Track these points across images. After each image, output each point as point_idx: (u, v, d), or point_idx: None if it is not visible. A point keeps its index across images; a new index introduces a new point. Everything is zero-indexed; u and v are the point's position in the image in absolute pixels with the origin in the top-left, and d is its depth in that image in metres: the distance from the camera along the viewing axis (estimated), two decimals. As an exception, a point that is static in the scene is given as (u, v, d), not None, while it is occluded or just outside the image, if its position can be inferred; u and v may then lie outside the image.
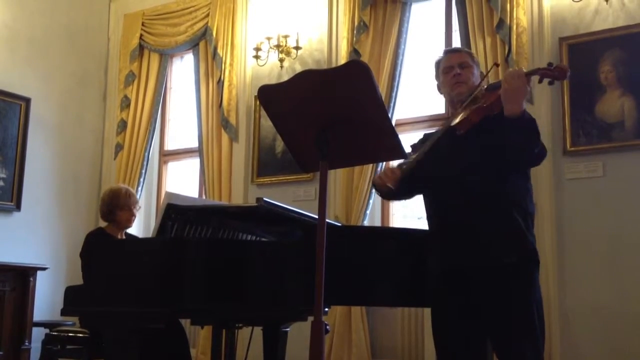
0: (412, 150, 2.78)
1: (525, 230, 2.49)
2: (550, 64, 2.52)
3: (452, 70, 2.70)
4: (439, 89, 2.81)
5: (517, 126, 2.41)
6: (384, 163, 4.83)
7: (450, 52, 2.83)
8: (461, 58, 2.73)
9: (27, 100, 6.15)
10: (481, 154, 2.51)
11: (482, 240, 2.48)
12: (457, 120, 2.58)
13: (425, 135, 2.90)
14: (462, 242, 2.51)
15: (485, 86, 2.65)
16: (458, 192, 2.50)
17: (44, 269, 5.67)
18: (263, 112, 5.46)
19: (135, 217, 4.10)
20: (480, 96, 2.57)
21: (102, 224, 4.16)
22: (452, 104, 2.74)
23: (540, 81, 2.53)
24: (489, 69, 2.72)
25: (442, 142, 2.59)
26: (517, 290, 2.44)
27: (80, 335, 3.96)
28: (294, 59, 5.65)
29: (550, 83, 2.56)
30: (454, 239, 2.54)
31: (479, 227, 2.48)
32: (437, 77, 2.80)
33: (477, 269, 2.46)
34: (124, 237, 4.14)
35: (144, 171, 6.41)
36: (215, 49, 6.05)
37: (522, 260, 2.47)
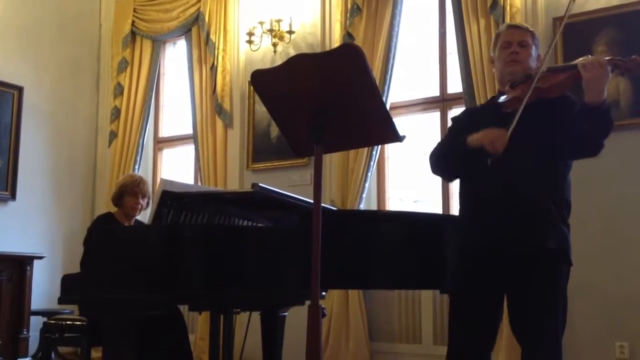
0: (454, 123, 2.73)
1: (560, 222, 2.45)
2: (631, 56, 2.41)
3: (510, 46, 2.59)
4: (492, 62, 2.72)
5: (597, 115, 2.34)
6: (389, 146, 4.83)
7: (512, 27, 2.72)
8: (522, 36, 2.61)
9: (20, 89, 6.12)
10: (530, 138, 2.43)
11: (517, 227, 2.43)
12: (506, 98, 2.50)
13: (466, 109, 2.82)
14: (499, 227, 2.45)
15: (546, 68, 2.52)
16: (499, 175, 2.42)
17: (40, 257, 5.68)
18: (257, 98, 5.44)
19: (140, 205, 4.11)
20: (539, 77, 2.45)
21: (100, 210, 4.17)
22: (502, 82, 2.64)
23: (612, 70, 2.41)
24: (550, 46, 2.59)
25: (488, 119, 2.51)
26: (545, 282, 2.40)
27: (78, 323, 3.97)
28: (288, 43, 5.63)
29: (620, 74, 2.49)
30: (491, 222, 2.48)
31: (518, 214, 2.43)
32: (493, 49, 2.69)
33: (508, 257, 2.42)
34: (132, 224, 4.15)
35: (138, 158, 6.40)
36: (208, 34, 6.02)
37: (555, 251, 2.43)
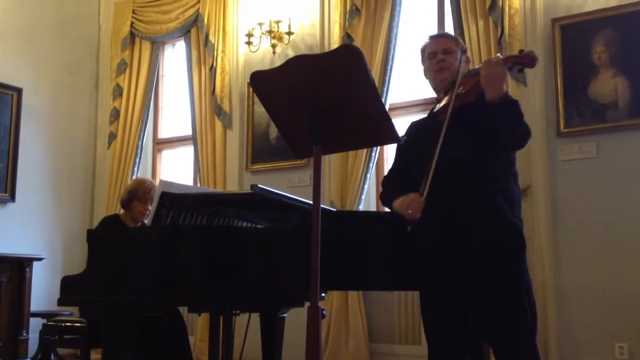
0: (397, 148, 2.86)
1: (510, 215, 2.50)
2: (520, 51, 2.58)
3: (435, 55, 2.71)
4: (425, 74, 2.83)
5: (499, 110, 2.43)
6: (381, 151, 4.83)
7: (434, 37, 2.83)
8: (445, 44, 2.74)
9: (19, 91, 6.12)
10: (463, 140, 2.51)
11: (466, 226, 2.48)
12: (439, 106, 2.61)
13: (411, 123, 2.92)
14: (448, 229, 2.51)
15: (465, 73, 2.65)
16: (441, 178, 2.48)
17: (39, 259, 5.67)
18: (256, 99, 5.45)
19: (148, 211, 4.10)
20: (459, 83, 2.58)
21: (99, 212, 4.18)
22: (437, 90, 2.76)
23: (510, 69, 2.55)
24: (463, 51, 2.76)
25: (427, 128, 2.63)
26: (503, 274, 2.45)
27: (78, 324, 3.97)
28: (287, 44, 5.63)
29: (519, 70, 2.63)
30: (440, 226, 2.53)
31: (463, 214, 2.50)
32: (422, 62, 2.82)
33: (465, 253, 2.47)
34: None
35: (137, 160, 6.40)
36: (207, 35, 6.02)
37: (506, 244, 2.48)
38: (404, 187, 2.64)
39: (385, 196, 2.84)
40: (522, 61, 2.53)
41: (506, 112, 2.45)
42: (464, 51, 2.77)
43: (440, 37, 2.83)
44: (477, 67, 2.67)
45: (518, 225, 2.53)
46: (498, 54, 2.69)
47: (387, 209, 2.86)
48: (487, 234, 2.47)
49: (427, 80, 2.83)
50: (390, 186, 2.82)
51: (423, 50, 2.80)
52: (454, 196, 2.51)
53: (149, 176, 6.61)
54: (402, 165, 2.83)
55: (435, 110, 2.63)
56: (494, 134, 2.48)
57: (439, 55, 2.70)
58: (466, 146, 2.52)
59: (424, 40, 2.84)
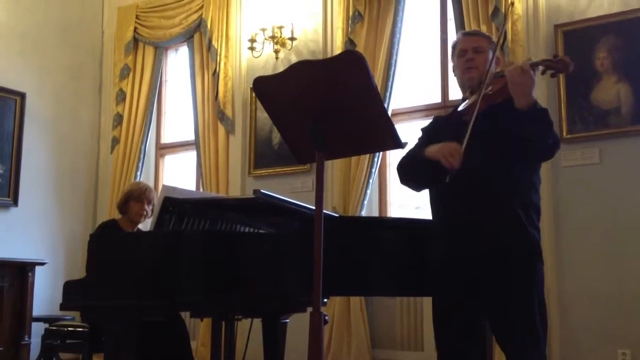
0: (423, 134, 2.74)
1: (527, 224, 2.44)
2: (555, 56, 2.46)
3: (465, 53, 2.63)
4: (454, 70, 2.75)
5: (528, 119, 2.36)
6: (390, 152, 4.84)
7: (466, 34, 2.76)
8: (476, 42, 2.66)
9: (22, 95, 6.13)
10: (486, 144, 2.44)
11: (483, 233, 2.43)
12: (465, 104, 2.54)
13: (435, 117, 2.85)
14: (465, 233, 2.46)
15: (494, 73, 2.56)
16: (462, 181, 2.41)
17: (42, 264, 5.67)
18: (259, 104, 5.43)
19: (145, 212, 4.13)
20: (487, 83, 2.50)
21: (101, 216, 4.19)
22: (463, 89, 2.69)
23: (543, 73, 2.46)
24: (494, 50, 2.65)
25: (452, 125, 2.54)
26: (516, 283, 2.41)
27: (80, 329, 3.98)
28: (289, 50, 5.64)
29: (552, 75, 2.50)
30: (458, 229, 2.49)
31: (481, 220, 2.44)
32: (452, 58, 2.74)
33: (478, 258, 2.42)
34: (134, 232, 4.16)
35: (140, 165, 6.40)
36: (210, 41, 6.04)
37: (521, 254, 2.43)
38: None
39: (405, 169, 2.70)
40: (556, 66, 2.42)
41: (535, 121, 2.37)
42: (494, 47, 2.67)
43: (472, 35, 2.76)
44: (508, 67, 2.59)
45: (534, 235, 2.46)
46: (529, 58, 2.54)
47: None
48: (502, 240, 2.42)
49: (455, 77, 2.75)
50: (411, 156, 2.68)
51: (454, 46, 2.72)
52: (472, 200, 2.45)
53: (151, 181, 6.61)
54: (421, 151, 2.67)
55: (460, 108, 2.56)
56: (520, 142, 2.40)
57: (469, 54, 2.62)
58: (489, 149, 2.44)
59: (457, 36, 2.78)
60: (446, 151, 2.39)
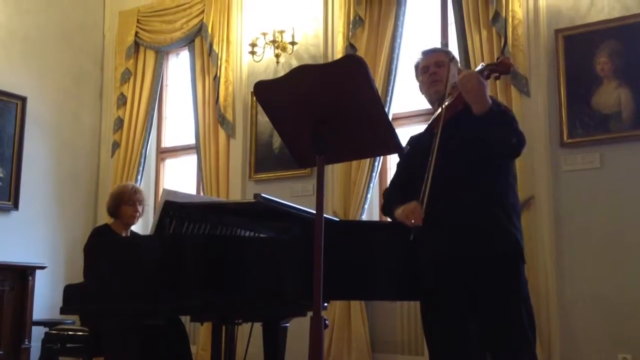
0: (401, 159, 2.92)
1: (508, 225, 2.52)
2: (497, 58, 2.62)
3: (428, 69, 2.78)
4: (420, 89, 2.89)
5: (488, 122, 2.46)
6: (383, 160, 4.83)
7: (426, 52, 2.90)
8: (436, 57, 2.81)
9: (23, 99, 6.14)
10: (457, 150, 2.55)
11: (462, 236, 2.51)
12: (433, 118, 2.66)
13: (410, 137, 2.97)
14: (445, 235, 2.54)
15: (453, 83, 2.70)
16: (438, 187, 2.50)
17: (42, 267, 5.67)
18: (260, 108, 5.46)
19: (139, 213, 4.14)
20: (449, 92, 2.63)
21: (102, 221, 4.20)
22: (432, 103, 2.83)
23: (487, 77, 2.56)
24: (453, 63, 2.82)
25: (424, 140, 2.68)
26: (501, 285, 2.47)
27: (80, 333, 3.97)
28: (290, 54, 5.64)
29: (496, 78, 2.63)
30: (439, 233, 2.56)
31: (460, 224, 2.52)
32: (417, 78, 2.90)
33: (461, 260, 2.49)
34: (128, 234, 4.15)
35: (141, 169, 6.40)
36: (211, 45, 6.04)
37: (501, 252, 2.49)
38: (404, 199, 2.67)
39: (387, 207, 2.87)
40: (497, 69, 2.56)
41: (496, 122, 2.47)
42: (452, 59, 2.81)
43: (431, 52, 2.89)
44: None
45: (515, 234, 2.54)
46: (479, 66, 2.68)
47: (389, 219, 2.88)
48: (483, 241, 2.49)
49: (423, 95, 2.89)
50: (391, 198, 2.85)
51: (416, 66, 2.88)
52: (451, 204, 2.53)
53: (152, 185, 6.63)
54: (402, 178, 2.88)
55: (430, 123, 2.69)
56: (485, 144, 2.50)
57: (431, 69, 2.77)
58: (460, 156, 2.55)
59: (417, 56, 2.91)
60: (408, 212, 2.56)
